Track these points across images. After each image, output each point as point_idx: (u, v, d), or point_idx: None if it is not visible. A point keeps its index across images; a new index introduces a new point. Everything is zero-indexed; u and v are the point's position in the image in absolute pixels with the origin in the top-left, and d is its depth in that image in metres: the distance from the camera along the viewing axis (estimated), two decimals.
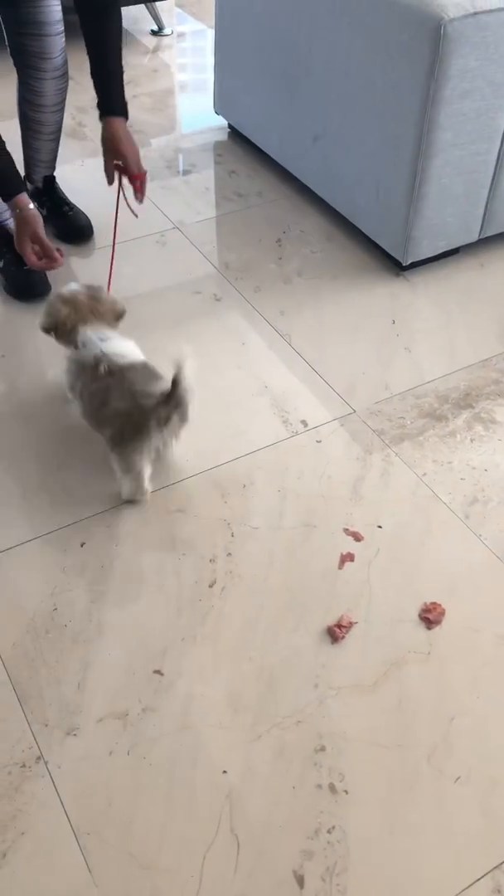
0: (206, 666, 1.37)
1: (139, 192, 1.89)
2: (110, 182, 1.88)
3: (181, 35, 3.45)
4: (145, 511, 1.60)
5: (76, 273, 2.16)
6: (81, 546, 1.54)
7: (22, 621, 1.42)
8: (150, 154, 2.64)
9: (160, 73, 3.14)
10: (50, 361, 1.88)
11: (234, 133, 2.73)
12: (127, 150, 1.82)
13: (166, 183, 2.51)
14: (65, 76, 2.01)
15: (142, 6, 3.38)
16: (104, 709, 1.31)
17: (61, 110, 2.08)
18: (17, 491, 1.62)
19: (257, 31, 2.32)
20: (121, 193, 1.89)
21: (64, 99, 2.06)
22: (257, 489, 1.65)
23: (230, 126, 2.74)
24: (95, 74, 1.77)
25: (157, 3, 3.36)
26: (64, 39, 1.94)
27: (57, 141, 2.16)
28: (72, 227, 2.26)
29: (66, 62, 1.99)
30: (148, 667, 1.36)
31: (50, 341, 1.65)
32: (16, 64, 1.99)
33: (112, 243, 1.97)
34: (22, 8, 1.86)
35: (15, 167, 1.76)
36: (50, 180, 2.25)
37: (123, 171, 1.86)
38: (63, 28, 1.93)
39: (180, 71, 3.21)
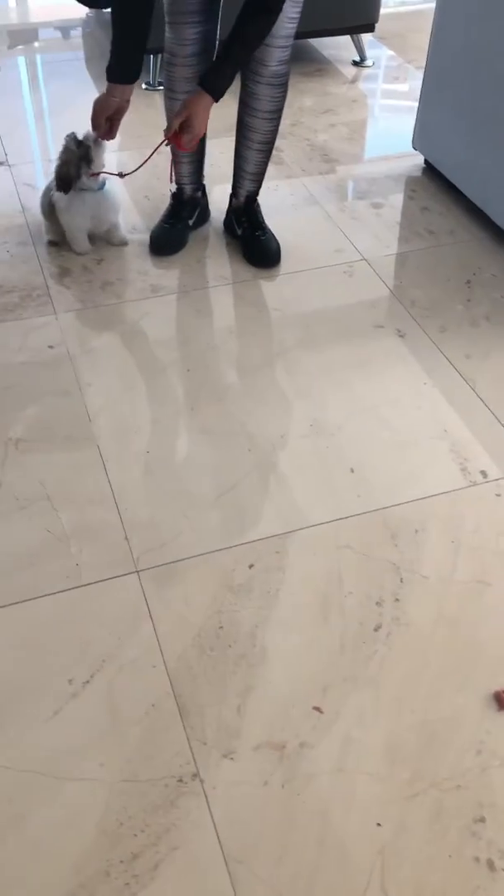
0: (367, 711, 1.34)
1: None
2: (168, 132, 1.99)
3: (381, 67, 3.46)
4: (314, 543, 1.59)
5: (256, 300, 2.20)
6: (250, 568, 1.55)
7: (188, 635, 1.44)
8: (342, 183, 2.66)
9: (358, 104, 3.16)
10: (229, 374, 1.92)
11: (430, 169, 2.70)
12: (194, 124, 1.91)
13: (357, 214, 2.52)
14: (282, 87, 2.06)
15: (347, 37, 3.41)
16: (262, 737, 1.31)
17: (274, 121, 2.13)
18: (190, 504, 1.66)
19: (473, 70, 2.29)
20: (154, 152, 2.08)
21: (279, 111, 2.11)
22: (430, 536, 1.61)
23: (426, 162, 2.72)
24: (220, 51, 1.88)
25: (362, 35, 3.39)
26: (288, 55, 2.00)
27: (266, 155, 2.21)
28: (261, 252, 2.31)
29: (285, 74, 2.04)
30: (308, 701, 1.35)
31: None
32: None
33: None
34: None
35: (139, 61, 1.95)
36: (252, 200, 2.30)
37: (177, 137, 1.96)
38: (289, 44, 1.98)
39: (378, 103, 3.22)
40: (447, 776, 1.27)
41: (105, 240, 2.34)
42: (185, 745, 1.30)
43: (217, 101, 1.89)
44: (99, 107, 2.04)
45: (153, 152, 2.11)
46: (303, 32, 3.16)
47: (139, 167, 2.18)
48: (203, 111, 1.90)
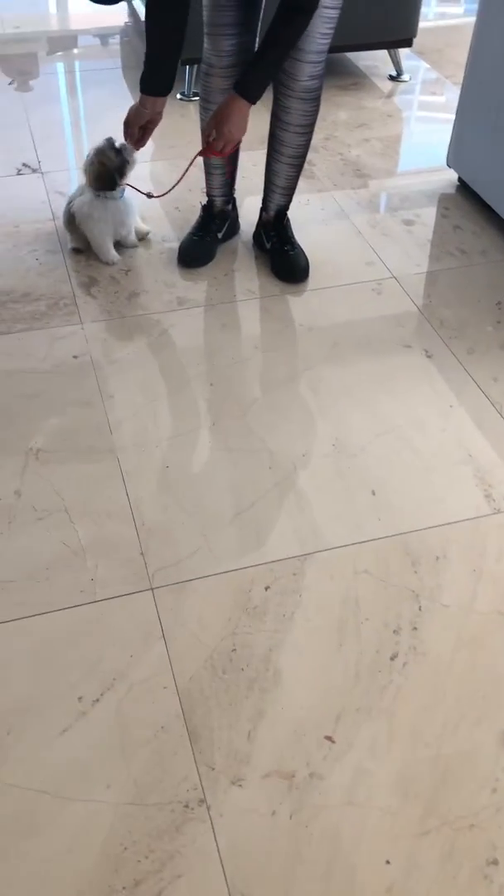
0: (380, 742, 1.32)
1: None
2: (204, 141, 2.01)
3: (418, 83, 3.44)
4: (332, 566, 1.57)
5: (282, 315, 2.18)
6: (266, 590, 1.53)
7: (201, 655, 1.42)
8: (374, 199, 2.64)
9: (393, 119, 3.14)
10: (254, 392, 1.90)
11: (464, 187, 2.67)
12: (223, 129, 1.90)
13: (388, 230, 2.49)
14: (314, 102, 2.04)
15: (384, 51, 3.39)
16: (271, 765, 1.28)
17: (305, 135, 2.11)
18: (207, 521, 1.64)
19: None
20: (184, 175, 2.13)
21: (310, 125, 2.09)
22: (450, 564, 1.58)
23: (460, 179, 2.69)
24: (255, 54, 1.86)
25: (399, 49, 3.37)
26: (320, 70, 1.98)
27: (297, 169, 2.19)
28: (289, 267, 2.29)
29: (317, 89, 2.01)
30: (320, 730, 1.33)
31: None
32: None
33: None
34: None
35: (172, 74, 1.95)
36: (282, 215, 2.29)
37: (211, 144, 1.96)
38: (321, 60, 1.96)
39: (413, 119, 3.20)
40: (461, 814, 1.23)
41: (121, 244, 2.35)
42: (194, 769, 1.28)
43: (252, 104, 1.87)
44: (132, 116, 2.05)
45: (183, 175, 2.14)
46: (340, 46, 3.17)
47: (169, 191, 2.21)
48: (237, 116, 1.88)
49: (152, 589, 1.52)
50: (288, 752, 1.30)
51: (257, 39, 2.01)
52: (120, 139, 2.13)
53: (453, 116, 2.62)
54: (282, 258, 2.30)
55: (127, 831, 1.21)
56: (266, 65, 1.85)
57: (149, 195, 2.23)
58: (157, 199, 2.24)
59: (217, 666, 1.41)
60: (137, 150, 2.14)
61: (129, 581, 1.53)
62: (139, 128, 2.06)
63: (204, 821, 1.22)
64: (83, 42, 3.81)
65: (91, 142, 2.86)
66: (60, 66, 3.57)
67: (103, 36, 3.84)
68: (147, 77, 1.95)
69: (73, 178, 2.68)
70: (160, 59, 1.92)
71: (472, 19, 2.44)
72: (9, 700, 1.35)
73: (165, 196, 2.22)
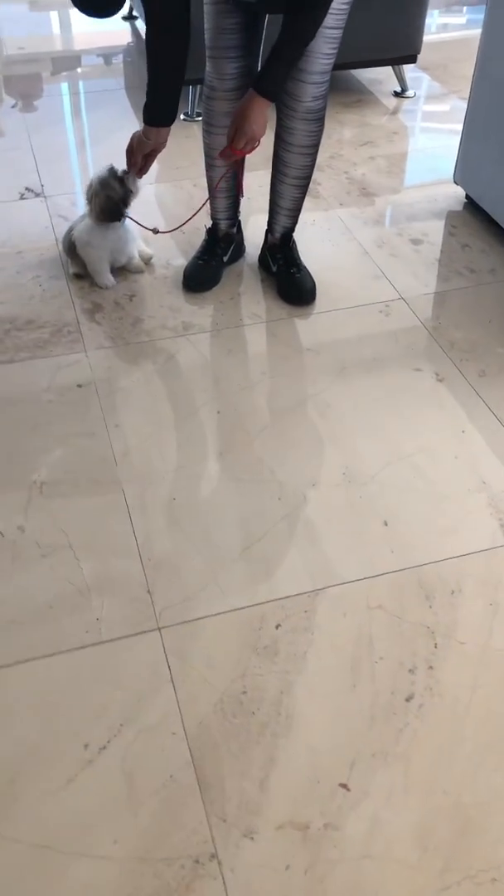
0: (396, 790, 1.27)
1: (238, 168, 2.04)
2: (227, 145, 1.93)
3: (423, 98, 3.41)
4: (344, 602, 1.52)
5: (290, 339, 2.15)
6: (276, 628, 1.48)
7: (210, 699, 1.38)
8: (380, 218, 2.61)
9: (399, 136, 3.11)
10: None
11: (472, 204, 2.64)
12: (244, 126, 1.85)
13: (396, 251, 2.46)
14: (318, 122, 2.01)
15: (388, 67, 3.37)
16: (285, 815, 1.24)
17: (310, 156, 2.08)
18: (215, 556, 1.60)
19: None
20: (194, 215, 2.16)
21: (314, 146, 2.06)
22: (466, 598, 1.53)
23: (468, 197, 2.65)
24: (271, 51, 1.79)
25: (404, 65, 3.34)
26: (323, 90, 1.95)
27: (302, 190, 2.16)
28: (296, 290, 2.25)
29: (321, 109, 1.98)
30: (334, 778, 1.28)
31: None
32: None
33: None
34: None
35: (175, 104, 1.94)
36: (287, 237, 2.26)
37: (232, 145, 1.91)
38: (324, 80, 1.93)
39: (419, 136, 3.16)
40: (483, 867, 1.18)
41: (126, 269, 2.32)
42: (204, 821, 1.23)
43: (272, 102, 1.84)
44: (135, 145, 2.02)
45: (193, 215, 2.15)
46: (345, 63, 3.14)
47: (176, 228, 2.20)
48: (257, 113, 1.84)
49: (160, 629, 1.48)
50: (302, 802, 1.25)
51: (259, 62, 1.99)
52: (121, 165, 2.10)
53: (460, 133, 2.59)
54: (288, 281, 2.26)
55: (135, 888, 1.16)
56: (283, 61, 1.80)
57: (154, 231, 2.22)
58: (161, 223, 2.22)
59: (227, 710, 1.36)
60: (140, 177, 2.11)
61: (135, 621, 1.49)
62: (142, 156, 2.04)
63: (215, 877, 1.17)
64: (87, 62, 3.80)
65: (95, 164, 2.85)
66: (64, 87, 3.56)
67: (107, 55, 3.83)
68: (150, 108, 1.93)
69: (77, 203, 2.66)
70: (163, 90, 1.90)
71: (476, 31, 2.40)
72: (12, 747, 1.31)
73: (170, 217, 2.20)
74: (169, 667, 1.42)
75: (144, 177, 2.14)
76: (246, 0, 1.77)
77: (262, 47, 1.97)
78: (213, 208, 2.26)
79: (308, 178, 2.14)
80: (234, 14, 1.86)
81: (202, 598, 1.53)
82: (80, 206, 2.59)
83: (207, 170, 2.19)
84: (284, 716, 1.36)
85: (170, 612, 1.50)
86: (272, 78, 1.80)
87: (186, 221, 2.19)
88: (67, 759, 1.30)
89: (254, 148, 1.93)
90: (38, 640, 1.46)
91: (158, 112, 1.93)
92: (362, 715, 1.36)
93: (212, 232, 2.30)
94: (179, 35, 1.79)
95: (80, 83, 3.61)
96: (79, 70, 3.74)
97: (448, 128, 3.21)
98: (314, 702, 1.38)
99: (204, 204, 2.15)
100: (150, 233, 2.21)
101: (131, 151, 2.07)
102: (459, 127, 2.59)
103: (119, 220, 2.16)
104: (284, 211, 2.21)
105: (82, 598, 1.52)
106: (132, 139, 2.05)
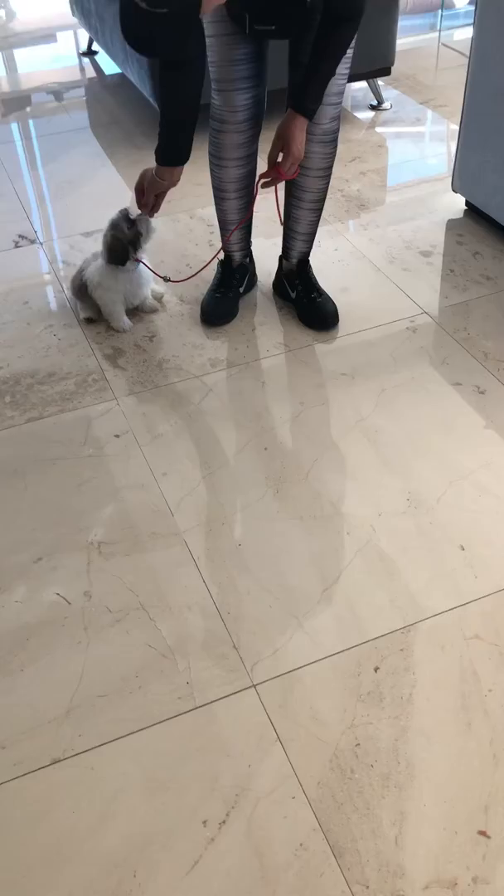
0: None
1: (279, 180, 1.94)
2: (270, 167, 1.89)
3: (399, 109, 3.41)
4: (439, 635, 1.47)
5: (321, 366, 2.10)
6: (375, 671, 1.42)
7: (324, 756, 1.31)
8: (385, 233, 2.58)
9: (384, 149, 3.09)
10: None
11: (472, 211, 2.62)
12: (292, 147, 1.83)
13: (408, 264, 2.43)
14: (333, 144, 1.99)
15: (362, 82, 3.36)
16: (429, 873, 1.17)
17: (326, 178, 2.05)
18: (295, 601, 1.53)
19: None
20: (276, 193, 2.01)
21: (330, 167, 2.03)
22: None
23: (468, 203, 2.64)
24: (307, 69, 1.76)
25: (378, 78, 3.34)
26: (339, 111, 1.93)
27: (318, 214, 2.13)
28: (318, 315, 2.21)
29: (336, 130, 1.96)
30: (471, 825, 1.22)
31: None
32: None
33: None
34: (297, 70, 1.86)
35: (190, 142, 1.88)
36: (304, 264, 2.21)
37: (278, 167, 1.88)
38: (340, 101, 1.92)
39: (404, 147, 3.15)
40: None
41: (139, 310, 2.26)
42: (347, 890, 1.16)
43: (310, 120, 1.82)
44: (148, 185, 1.97)
45: (204, 266, 2.16)
46: None
47: (189, 278, 2.21)
48: (299, 133, 1.82)
49: (255, 686, 1.41)
50: (443, 856, 1.19)
51: (266, 91, 1.95)
52: (119, 206, 2.07)
53: (443, 140, 2.57)
54: (310, 307, 2.22)
55: None
56: (322, 79, 1.77)
57: (166, 279, 2.20)
58: (167, 255, 2.18)
59: (344, 766, 1.30)
60: (152, 216, 2.06)
61: (227, 679, 1.42)
62: (154, 195, 1.99)
63: None
64: (38, 100, 3.73)
65: (79, 208, 2.78)
66: (31, 127, 3.49)
67: (58, 92, 3.76)
68: (165, 148, 1.89)
69: (76, 246, 2.59)
70: (178, 130, 1.85)
71: (432, 35, 2.40)
72: (127, 835, 1.23)
73: (178, 253, 2.17)
74: (273, 726, 1.35)
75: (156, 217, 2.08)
76: (262, 29, 1.72)
77: (267, 76, 1.94)
78: (225, 242, 2.21)
79: (323, 200, 2.10)
80: (242, 45, 1.82)
81: (291, 647, 1.46)
82: (81, 250, 2.53)
83: (218, 203, 2.13)
84: (404, 765, 1.29)
85: (261, 666, 1.43)
86: (313, 96, 1.77)
87: (199, 271, 2.21)
88: (188, 840, 1.22)
89: (298, 171, 1.89)
90: (129, 713, 1.38)
91: (174, 151, 1.89)
92: (484, 754, 1.30)
93: (225, 264, 2.25)
94: (195, 71, 1.74)
95: (45, 123, 3.53)
96: (28, 109, 3.66)
97: (427, 136, 3.21)
98: (432, 746, 1.32)
99: (218, 252, 2.15)
100: (159, 269, 2.19)
101: (141, 191, 2.01)
102: (442, 136, 2.58)
103: (124, 262, 2.10)
104: (301, 236, 2.17)
105: (167, 662, 1.45)
106: (142, 178, 2.00)
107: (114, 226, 2.06)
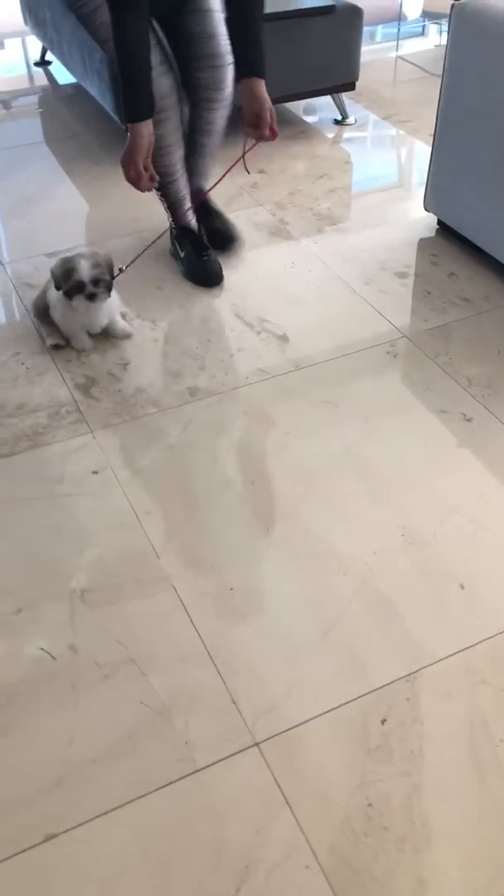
0: None
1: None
2: (255, 132, 2.08)
3: (363, 124, 3.37)
4: (445, 681, 1.41)
5: (303, 392, 2.04)
6: (382, 723, 1.36)
7: (334, 819, 1.24)
8: (358, 254, 2.53)
9: (350, 165, 3.05)
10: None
11: (444, 230, 2.60)
12: (269, 105, 2.02)
13: (384, 286, 2.39)
14: (231, 106, 2.21)
15: (328, 97, 3.32)
16: None
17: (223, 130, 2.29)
18: (293, 650, 1.47)
19: (494, 128, 2.19)
20: (243, 157, 2.16)
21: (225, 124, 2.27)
22: None
23: (440, 222, 2.61)
24: (237, 39, 2.00)
25: (342, 94, 3.30)
26: (232, 72, 2.12)
27: (212, 156, 2.34)
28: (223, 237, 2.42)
29: (232, 93, 2.16)
30: (496, 889, 1.17)
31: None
32: (190, 99, 2.17)
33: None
34: (195, 44, 2.06)
35: (152, 93, 1.95)
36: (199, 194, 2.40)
37: (257, 131, 2.06)
38: (232, 60, 2.08)
39: (370, 164, 3.11)
40: None
41: (109, 334, 2.18)
42: None
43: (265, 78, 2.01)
44: (147, 151, 1.99)
45: (159, 237, 2.27)
46: (288, 95, 3.08)
47: (137, 256, 2.25)
48: (265, 97, 2.01)
49: (257, 744, 1.33)
50: None
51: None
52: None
53: (411, 158, 2.56)
54: (213, 235, 2.41)
55: None
56: (259, 42, 1.98)
57: (121, 270, 2.18)
58: (138, 282, 2.28)
59: (357, 828, 1.23)
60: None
61: (228, 738, 1.34)
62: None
63: None
64: None
65: (44, 223, 2.68)
66: None
67: (6, 101, 3.65)
68: (141, 102, 1.92)
69: (39, 267, 2.48)
70: (147, 76, 1.92)
71: (389, 46, 2.45)
72: None
73: (146, 274, 2.26)
74: (279, 787, 1.28)
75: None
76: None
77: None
78: (178, 217, 2.32)
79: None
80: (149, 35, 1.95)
81: (293, 701, 1.39)
82: (46, 272, 2.43)
83: (168, 186, 2.25)
84: (419, 825, 1.24)
85: (263, 722, 1.36)
86: (261, 58, 1.97)
87: (149, 246, 2.28)
88: None
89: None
90: (126, 778, 1.29)
91: (150, 99, 1.94)
92: (500, 810, 1.25)
93: (188, 231, 2.36)
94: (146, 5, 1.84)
95: None
96: None
97: (392, 153, 3.19)
98: (447, 803, 1.26)
99: (164, 232, 2.28)
100: (129, 311, 2.23)
101: (136, 167, 2.00)
102: (408, 151, 2.56)
103: (70, 298, 2.03)
104: (201, 177, 2.35)
105: (162, 721, 1.36)
106: (140, 150, 1.97)
107: (65, 270, 2.00)
